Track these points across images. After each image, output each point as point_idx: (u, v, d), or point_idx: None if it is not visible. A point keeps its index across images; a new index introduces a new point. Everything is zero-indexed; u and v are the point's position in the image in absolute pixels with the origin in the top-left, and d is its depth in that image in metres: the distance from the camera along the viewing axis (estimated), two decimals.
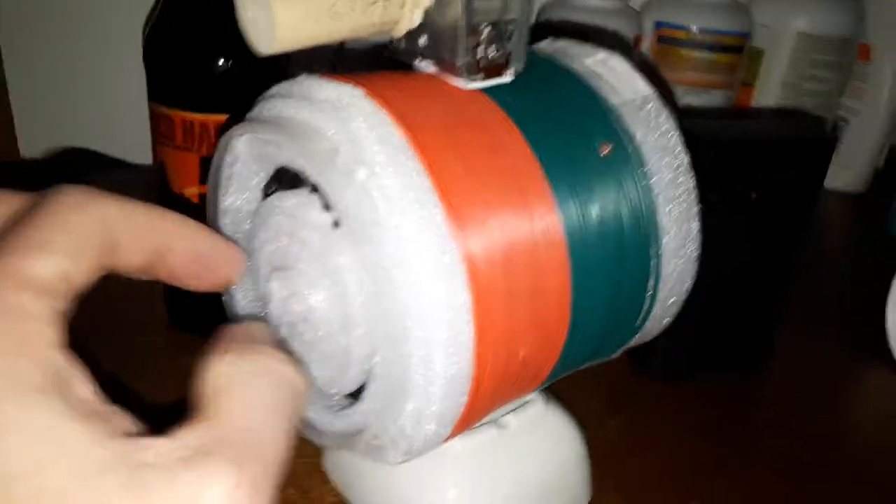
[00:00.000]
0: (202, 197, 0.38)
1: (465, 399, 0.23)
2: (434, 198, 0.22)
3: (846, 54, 0.68)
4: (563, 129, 0.26)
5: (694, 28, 0.65)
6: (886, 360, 0.47)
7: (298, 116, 0.24)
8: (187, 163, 0.38)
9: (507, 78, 0.26)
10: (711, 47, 0.65)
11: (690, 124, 0.38)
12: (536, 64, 0.28)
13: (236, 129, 0.26)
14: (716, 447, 0.38)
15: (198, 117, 0.37)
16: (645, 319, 0.29)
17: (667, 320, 0.31)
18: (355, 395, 0.27)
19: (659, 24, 0.67)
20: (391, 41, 0.28)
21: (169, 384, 0.34)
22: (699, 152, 0.36)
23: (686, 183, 0.29)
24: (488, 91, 0.26)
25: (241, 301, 0.30)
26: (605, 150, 0.27)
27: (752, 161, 0.38)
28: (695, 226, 0.29)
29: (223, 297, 0.31)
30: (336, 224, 0.24)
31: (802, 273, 0.41)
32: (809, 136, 0.39)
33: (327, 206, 0.24)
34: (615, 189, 0.26)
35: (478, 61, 0.25)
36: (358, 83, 0.24)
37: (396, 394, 0.23)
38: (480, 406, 0.25)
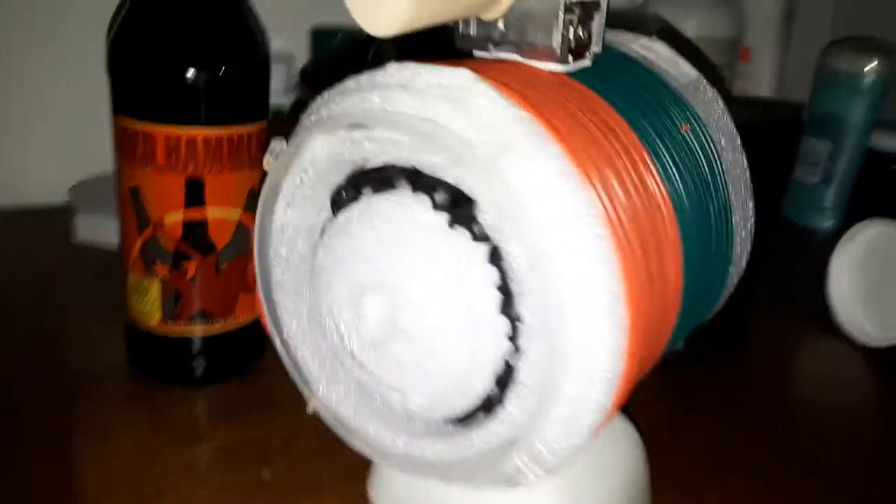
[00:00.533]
0: (185, 225, 0.34)
1: (614, 394, 0.22)
2: (580, 182, 0.21)
3: (732, 56, 0.73)
4: (647, 109, 0.26)
5: None
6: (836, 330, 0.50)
7: (405, 108, 0.21)
8: (169, 185, 0.33)
9: (587, 61, 0.26)
10: None
11: None
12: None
13: (314, 129, 0.23)
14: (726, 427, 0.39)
15: (184, 132, 0.33)
16: (720, 298, 0.29)
17: (723, 302, 0.31)
18: (461, 420, 0.25)
19: None
20: (457, 29, 0.26)
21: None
22: None
23: (743, 163, 0.29)
24: (572, 75, 0.25)
25: (305, 339, 0.27)
26: (686, 129, 0.26)
27: None
28: (751, 204, 0.29)
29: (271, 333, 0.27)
30: (452, 223, 0.22)
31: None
32: (777, 119, 0.42)
33: (437, 206, 0.22)
34: (699, 166, 0.26)
35: (568, 43, 0.24)
36: (467, 67, 0.22)
37: (545, 398, 0.21)
38: (621, 400, 0.23)
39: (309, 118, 0.24)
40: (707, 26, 0.70)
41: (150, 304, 0.35)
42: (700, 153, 0.27)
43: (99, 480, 0.30)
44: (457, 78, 0.21)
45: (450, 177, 0.21)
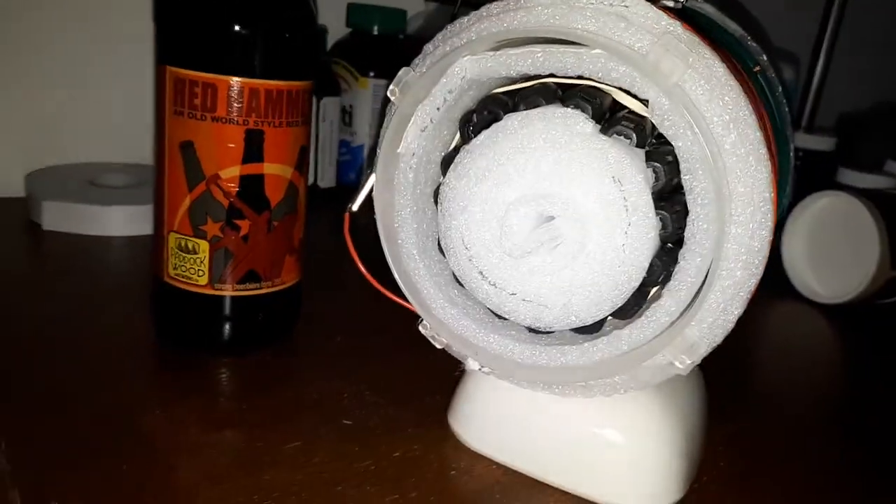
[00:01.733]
0: (242, 180, 0.33)
1: (761, 271, 0.24)
2: (743, 97, 0.23)
3: None
4: (734, 50, 0.29)
5: None
6: (789, 291, 0.56)
7: (577, 24, 0.23)
8: (230, 137, 0.32)
9: (678, 4, 0.28)
10: None
11: None
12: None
13: (462, 50, 0.24)
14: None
15: (248, 82, 0.32)
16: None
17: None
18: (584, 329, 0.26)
19: None
20: None
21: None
22: None
23: (783, 98, 0.33)
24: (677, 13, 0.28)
25: (422, 263, 0.27)
26: (758, 69, 0.30)
27: None
28: (790, 131, 0.33)
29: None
30: (606, 130, 0.24)
31: None
32: None
33: (592, 115, 0.24)
34: (768, 99, 0.30)
35: None
36: None
37: (700, 293, 0.23)
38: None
39: (442, 46, 0.25)
40: None
41: (197, 265, 0.34)
42: (767, 89, 0.30)
43: (167, 450, 0.29)
44: None
45: (617, 81, 0.23)
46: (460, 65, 0.24)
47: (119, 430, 0.29)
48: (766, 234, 0.23)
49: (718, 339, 0.24)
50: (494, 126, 0.25)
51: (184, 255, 0.34)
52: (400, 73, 0.26)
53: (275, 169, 0.34)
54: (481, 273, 0.26)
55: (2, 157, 0.55)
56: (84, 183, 0.53)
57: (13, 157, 0.55)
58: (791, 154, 0.33)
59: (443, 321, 0.27)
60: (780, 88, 0.32)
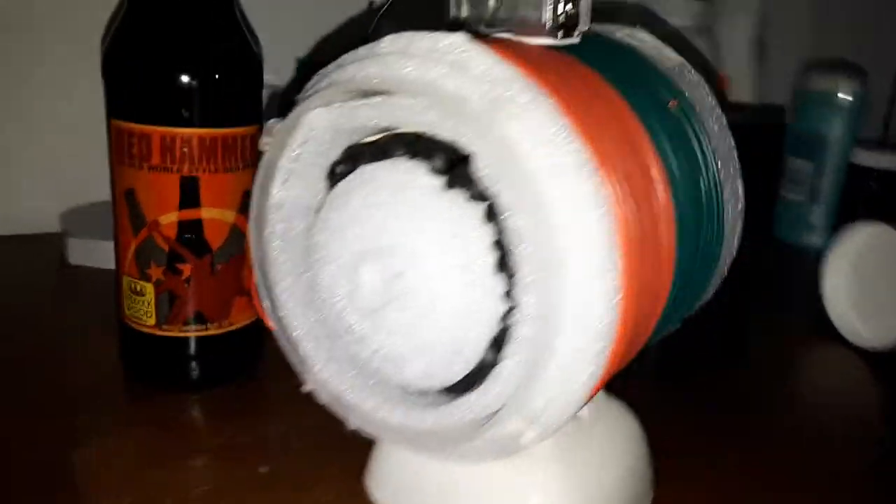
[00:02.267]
0: (180, 225, 0.34)
1: (608, 355, 0.22)
2: (580, 141, 0.21)
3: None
4: (637, 84, 0.26)
5: None
6: (831, 333, 0.50)
7: (403, 71, 0.22)
8: (165, 185, 0.33)
9: (576, 38, 0.26)
10: None
11: None
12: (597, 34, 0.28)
13: (313, 101, 0.24)
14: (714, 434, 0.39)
15: (180, 132, 0.33)
16: (713, 277, 0.30)
17: (716, 285, 0.32)
18: (454, 389, 0.25)
19: None
20: (448, 13, 0.27)
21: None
22: None
23: (730, 141, 0.30)
24: (564, 49, 0.26)
25: (301, 318, 0.26)
26: (673, 105, 0.27)
27: None
28: (740, 184, 0.30)
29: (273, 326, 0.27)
30: (449, 185, 0.22)
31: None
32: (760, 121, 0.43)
33: (434, 169, 0.23)
34: (689, 140, 0.27)
35: (557, 17, 0.25)
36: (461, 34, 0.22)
37: (541, 353, 0.21)
38: (615, 365, 0.23)
39: (306, 94, 0.25)
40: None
41: (145, 307, 0.35)
42: (689, 129, 0.27)
43: (99, 483, 0.30)
44: (452, 41, 0.22)
45: (447, 134, 0.22)
46: (310, 116, 0.24)
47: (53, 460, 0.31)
48: (609, 299, 0.21)
49: (570, 409, 0.22)
50: (349, 177, 0.24)
51: (134, 296, 0.36)
52: (269, 122, 0.26)
53: (214, 213, 0.35)
54: (349, 328, 0.25)
55: (39, 193, 0.59)
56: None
57: (49, 193, 0.59)
58: (737, 203, 0.29)
59: (320, 377, 0.27)
60: (723, 122, 0.29)
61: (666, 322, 0.27)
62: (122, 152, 0.34)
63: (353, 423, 0.26)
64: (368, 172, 0.24)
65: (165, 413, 0.35)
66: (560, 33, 0.25)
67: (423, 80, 0.21)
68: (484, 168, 0.21)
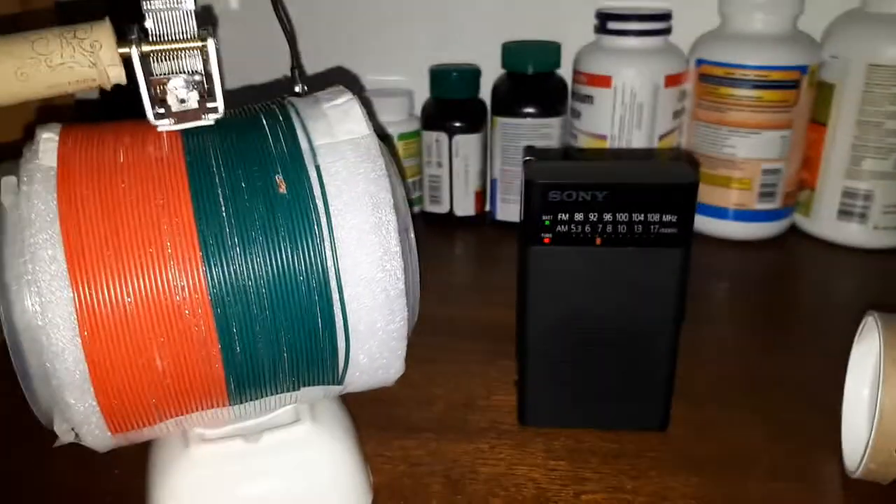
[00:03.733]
0: None
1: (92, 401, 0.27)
2: (60, 240, 0.26)
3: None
4: (242, 168, 0.29)
5: (734, 63, 0.60)
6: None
7: None
8: None
9: (206, 122, 0.30)
10: (755, 84, 0.60)
11: (530, 166, 0.37)
12: (248, 111, 0.31)
13: None
14: None
15: None
16: (347, 358, 0.30)
17: (394, 369, 0.31)
18: None
19: (699, 62, 0.63)
20: None
21: None
22: (530, 194, 0.36)
23: (386, 221, 0.29)
24: (186, 133, 0.30)
25: None
26: (282, 186, 0.29)
27: (588, 204, 0.36)
28: (393, 264, 0.29)
29: None
30: None
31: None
32: (652, 181, 0.36)
33: None
34: (290, 226, 0.28)
35: (168, 108, 0.29)
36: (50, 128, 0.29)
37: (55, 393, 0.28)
38: (128, 409, 0.28)
39: None
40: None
41: None
42: (301, 212, 0.28)
43: None
44: None
45: None
46: None
47: None
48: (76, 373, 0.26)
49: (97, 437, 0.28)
50: None
51: None
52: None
53: None
54: None
55: None
56: None
57: None
58: (375, 281, 0.29)
59: None
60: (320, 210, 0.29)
61: (259, 382, 0.30)
62: None
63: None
64: None
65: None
66: (171, 121, 0.29)
67: None
68: None
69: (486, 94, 0.68)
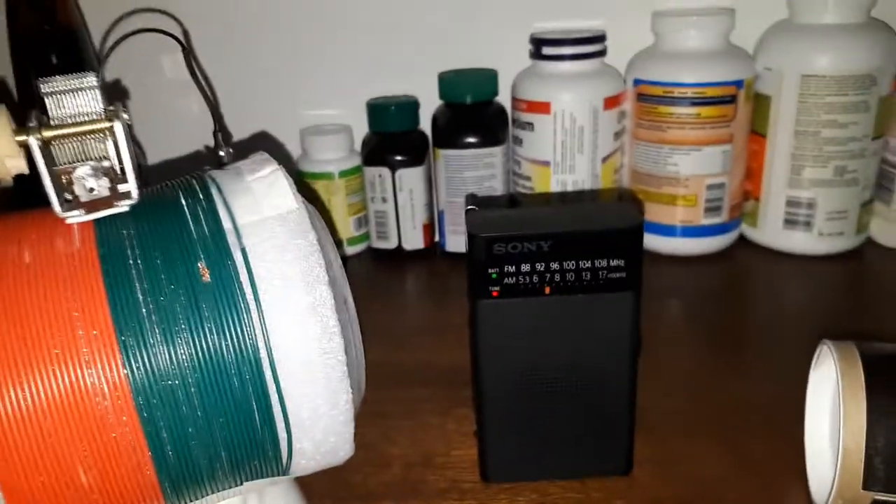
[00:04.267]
0: None
1: None
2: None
3: (872, 92, 0.58)
4: (161, 258, 0.27)
5: (671, 82, 0.60)
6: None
7: None
8: None
9: (120, 209, 0.28)
10: (693, 101, 0.59)
11: (473, 217, 0.36)
12: (166, 189, 0.29)
13: None
14: None
15: None
16: (290, 448, 0.28)
17: (343, 452, 0.30)
18: None
19: (637, 82, 0.62)
20: None
21: None
22: (475, 248, 0.35)
23: (322, 300, 0.28)
24: (98, 222, 0.28)
25: None
26: (205, 275, 0.27)
27: (534, 255, 0.35)
28: (332, 344, 0.28)
29: None
30: None
31: None
32: (597, 227, 0.35)
33: None
34: (216, 316, 0.26)
35: (75, 198, 0.27)
36: None
37: None
38: None
39: None
40: (829, 63, 0.58)
41: None
42: (227, 297, 0.27)
43: None
44: None
45: None
46: None
47: None
48: None
49: None
50: None
51: None
52: None
53: None
54: None
55: None
56: None
57: None
58: (311, 363, 0.27)
59: None
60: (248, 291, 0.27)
61: (196, 480, 0.28)
62: None
63: None
64: None
65: None
66: (80, 211, 0.27)
67: None
68: None
69: (425, 124, 0.66)
